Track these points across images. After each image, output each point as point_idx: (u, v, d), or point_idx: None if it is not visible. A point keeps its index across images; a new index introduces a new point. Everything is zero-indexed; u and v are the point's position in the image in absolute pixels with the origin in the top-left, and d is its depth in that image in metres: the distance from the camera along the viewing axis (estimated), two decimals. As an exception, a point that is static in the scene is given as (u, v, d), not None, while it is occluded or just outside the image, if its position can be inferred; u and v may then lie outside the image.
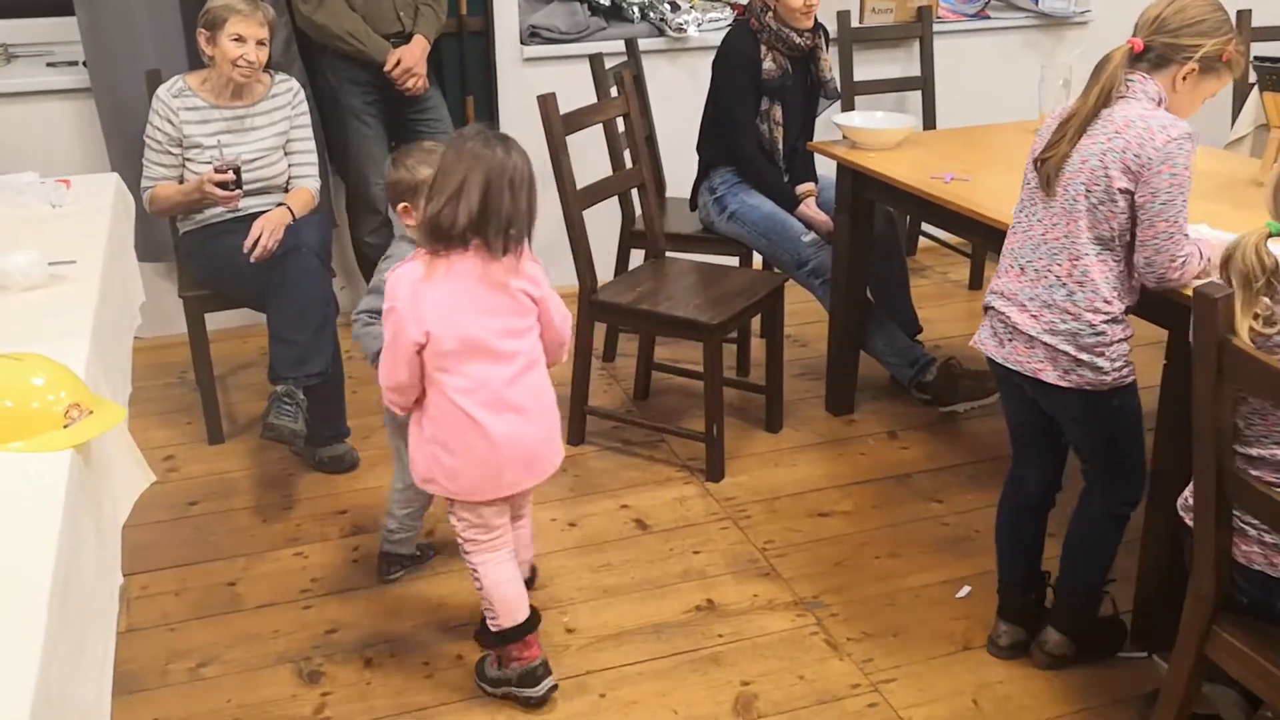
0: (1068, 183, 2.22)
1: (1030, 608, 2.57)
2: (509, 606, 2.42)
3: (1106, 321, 2.22)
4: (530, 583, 2.73)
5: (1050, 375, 2.26)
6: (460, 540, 2.43)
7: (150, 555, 2.94)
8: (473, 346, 2.25)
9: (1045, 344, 2.26)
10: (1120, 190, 2.15)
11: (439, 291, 2.23)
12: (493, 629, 2.45)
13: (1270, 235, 1.83)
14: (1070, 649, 2.52)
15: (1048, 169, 2.24)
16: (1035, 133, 2.38)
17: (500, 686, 2.47)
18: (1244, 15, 4.29)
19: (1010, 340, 2.33)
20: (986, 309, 2.41)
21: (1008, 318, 2.32)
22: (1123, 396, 2.29)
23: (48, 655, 1.27)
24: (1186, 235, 2.17)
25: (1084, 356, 2.23)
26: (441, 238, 2.22)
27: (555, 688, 2.47)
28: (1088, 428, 2.34)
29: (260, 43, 3.24)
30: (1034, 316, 2.27)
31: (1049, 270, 2.26)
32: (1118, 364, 2.24)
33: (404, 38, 3.84)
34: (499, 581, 2.42)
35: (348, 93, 3.83)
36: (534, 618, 2.46)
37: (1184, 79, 2.21)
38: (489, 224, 2.20)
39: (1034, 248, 2.29)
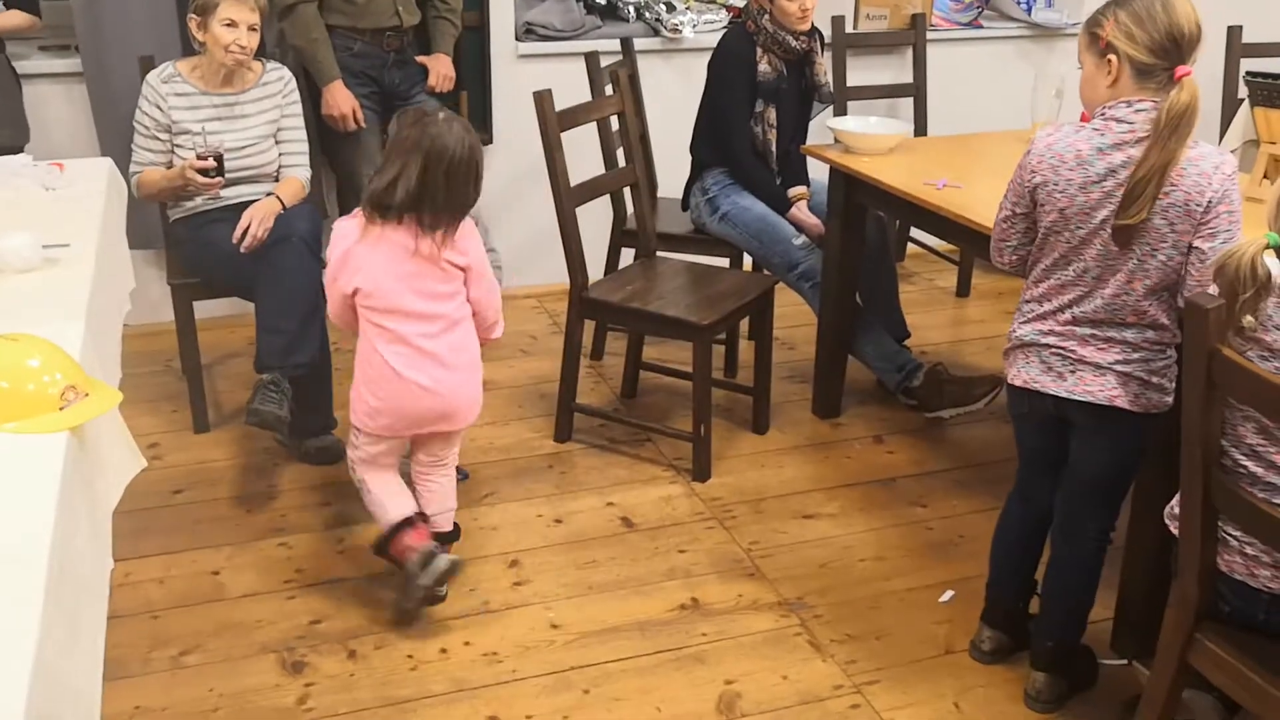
0: (1133, 242, 2.13)
1: (1016, 615, 2.58)
2: (396, 503, 2.71)
3: (1172, 346, 2.20)
4: (453, 537, 2.86)
5: (1123, 401, 2.20)
6: (354, 460, 2.74)
7: (134, 543, 2.92)
8: (395, 307, 2.55)
9: (1118, 372, 2.20)
10: (1190, 244, 2.10)
11: (368, 254, 2.53)
12: (385, 530, 2.70)
13: (1268, 247, 1.81)
14: (1064, 685, 2.47)
15: (1131, 230, 2.10)
16: (1029, 141, 2.28)
17: (420, 591, 2.62)
18: (1235, 31, 4.33)
19: (1074, 372, 2.23)
20: (1026, 346, 2.30)
21: (1069, 351, 2.24)
22: (1163, 420, 2.24)
23: (44, 636, 1.27)
24: None
25: (1154, 380, 2.20)
26: (379, 210, 2.50)
27: (456, 564, 2.67)
28: (1125, 452, 2.29)
29: (252, 28, 3.22)
30: (1101, 349, 2.21)
31: (1111, 321, 2.20)
32: (1174, 385, 2.21)
33: (399, 32, 3.84)
34: (382, 486, 2.72)
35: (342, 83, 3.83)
36: (415, 517, 2.71)
37: None
38: (423, 205, 2.48)
39: (1090, 303, 2.20)
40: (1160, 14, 2.07)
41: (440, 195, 2.48)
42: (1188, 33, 2.07)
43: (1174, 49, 2.08)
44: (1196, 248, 2.10)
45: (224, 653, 2.59)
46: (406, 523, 2.68)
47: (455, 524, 2.88)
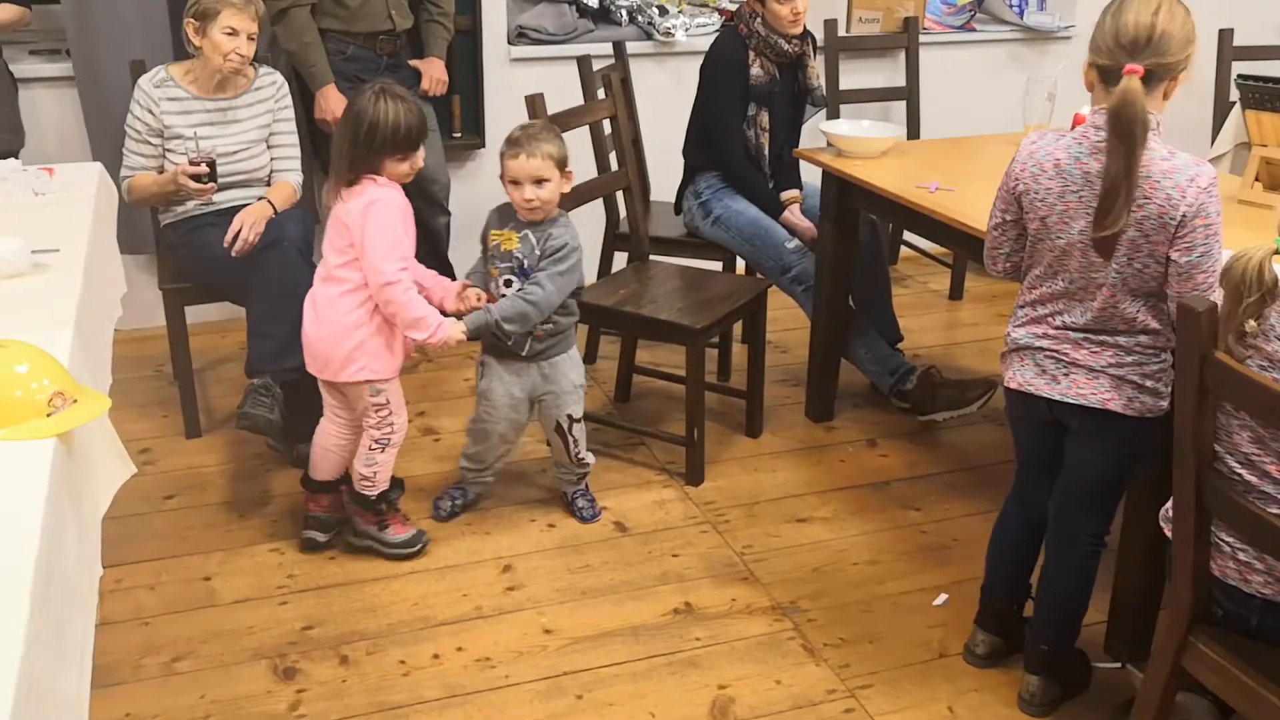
0: (1112, 256, 2.13)
1: (1011, 618, 2.57)
2: (314, 459, 2.95)
3: (1167, 350, 2.18)
4: (354, 495, 2.95)
5: (1116, 404, 2.19)
6: None
7: (125, 549, 2.91)
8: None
9: (1111, 375, 2.19)
10: (1165, 254, 2.09)
11: None
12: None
13: (1277, 252, 1.80)
14: (1058, 688, 2.47)
15: (1109, 244, 2.09)
16: (1018, 145, 2.29)
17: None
18: (1226, 34, 4.34)
19: (1067, 375, 2.23)
20: (1021, 349, 2.30)
21: (1063, 354, 2.23)
22: (1158, 424, 2.23)
23: (30, 644, 1.26)
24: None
25: (1148, 384, 2.18)
26: None
27: (315, 544, 2.96)
28: (1120, 456, 2.28)
29: (251, 37, 3.21)
30: (1094, 353, 2.20)
31: (1103, 329, 2.19)
32: (1170, 389, 2.18)
33: (392, 35, 3.84)
34: (319, 434, 2.95)
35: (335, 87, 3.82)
36: (317, 484, 2.96)
37: (1173, 89, 2.12)
38: (332, 154, 2.77)
39: (1081, 312, 2.20)
40: (1109, 19, 2.08)
41: (339, 148, 2.72)
42: (1134, 35, 2.05)
43: (1120, 52, 2.06)
44: (1174, 260, 2.09)
45: (216, 659, 2.58)
46: (310, 483, 2.98)
47: (358, 490, 2.91)
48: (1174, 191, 2.04)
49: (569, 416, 3.02)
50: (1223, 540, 1.93)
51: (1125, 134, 2.03)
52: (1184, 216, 2.04)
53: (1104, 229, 2.09)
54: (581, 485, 3.18)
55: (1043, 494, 2.45)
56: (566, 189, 2.86)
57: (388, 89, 2.73)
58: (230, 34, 3.17)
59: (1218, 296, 2.10)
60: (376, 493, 2.90)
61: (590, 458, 3.13)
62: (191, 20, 3.20)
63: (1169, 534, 2.02)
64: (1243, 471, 1.88)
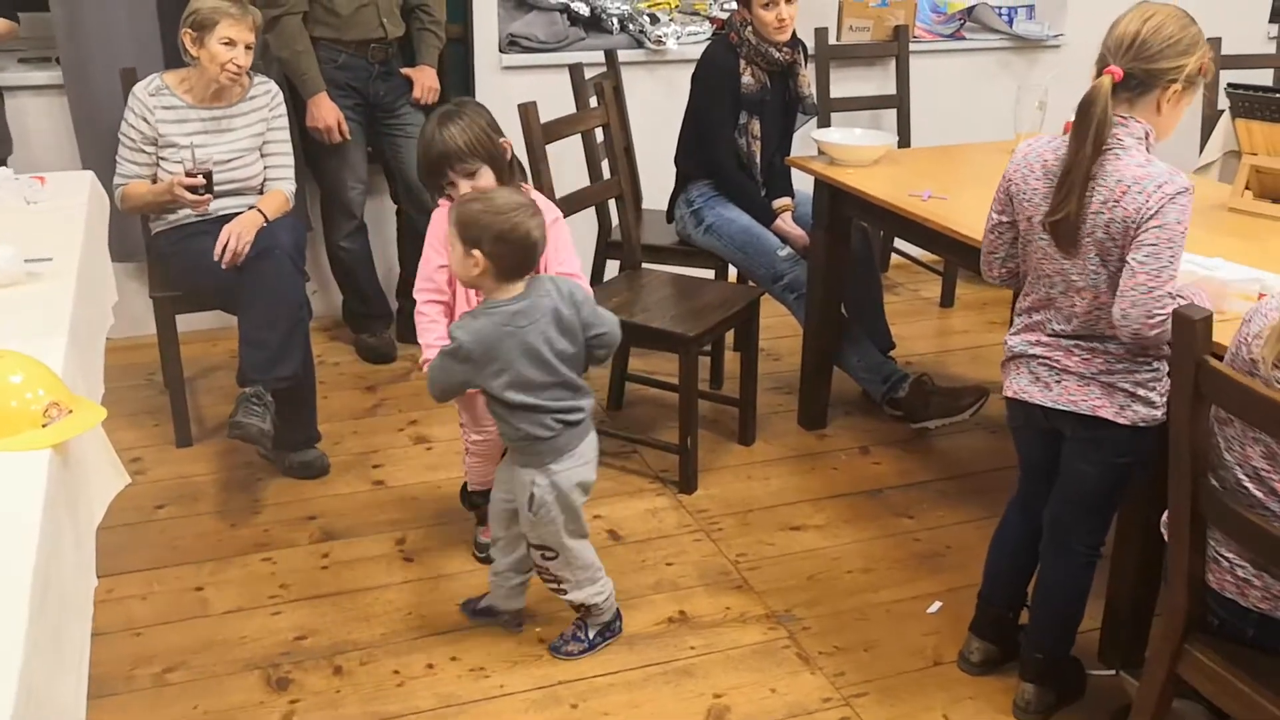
0: (1084, 256, 2.15)
1: (1006, 626, 2.57)
2: None
3: (1159, 358, 2.18)
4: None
5: (1108, 412, 2.19)
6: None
7: (116, 559, 2.89)
8: None
9: (1102, 382, 2.20)
10: None
11: None
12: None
13: None
14: (1053, 696, 2.47)
15: (1065, 229, 2.13)
16: (1011, 152, 2.33)
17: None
18: (1214, 43, 4.36)
19: (1060, 382, 2.24)
20: (1017, 357, 2.31)
21: (1055, 361, 2.24)
22: (1152, 434, 2.23)
23: (29, 653, 1.26)
24: (1170, 296, 2.05)
25: (1140, 392, 2.18)
26: None
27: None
28: (1113, 465, 2.27)
29: (248, 47, 3.21)
30: (1085, 360, 2.21)
31: (1092, 334, 2.20)
32: (1165, 399, 2.18)
33: (384, 44, 3.84)
34: None
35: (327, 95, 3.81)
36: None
37: (1168, 101, 2.12)
38: None
39: (1067, 318, 2.22)
40: (1110, 27, 2.15)
41: None
42: (1119, 40, 2.11)
43: (1108, 54, 2.13)
44: (1127, 261, 2.10)
45: (208, 670, 2.57)
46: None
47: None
48: (1140, 196, 2.06)
49: (523, 534, 2.58)
50: (1221, 555, 1.93)
51: (1082, 124, 2.09)
52: (1143, 217, 2.07)
53: (1052, 213, 2.14)
54: None
55: (1044, 502, 2.44)
56: (474, 272, 2.35)
57: (443, 112, 2.65)
58: (228, 44, 3.17)
59: (1205, 302, 2.12)
60: (462, 485, 3.06)
61: (575, 597, 2.61)
62: (189, 30, 3.19)
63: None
64: (1250, 485, 1.88)
